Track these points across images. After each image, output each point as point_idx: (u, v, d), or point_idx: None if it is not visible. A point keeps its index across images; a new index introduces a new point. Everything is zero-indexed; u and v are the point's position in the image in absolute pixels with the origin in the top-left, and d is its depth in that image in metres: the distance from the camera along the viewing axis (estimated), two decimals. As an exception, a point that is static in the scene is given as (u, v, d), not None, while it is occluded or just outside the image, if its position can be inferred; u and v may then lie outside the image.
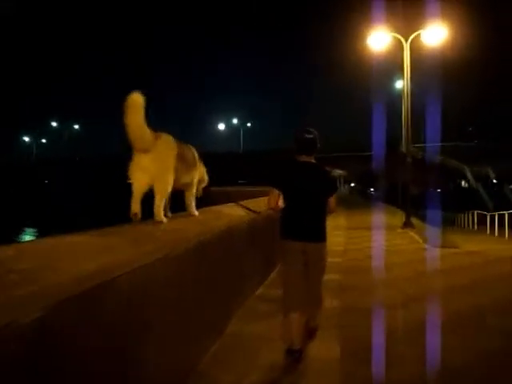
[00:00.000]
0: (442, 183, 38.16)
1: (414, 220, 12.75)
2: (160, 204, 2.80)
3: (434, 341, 3.52)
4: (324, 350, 3.33)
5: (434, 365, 3.10)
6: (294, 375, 2.95)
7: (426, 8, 13.02)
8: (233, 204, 5.09)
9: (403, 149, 14.18)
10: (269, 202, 3.33)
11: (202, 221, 3.34)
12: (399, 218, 13.50)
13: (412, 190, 13.97)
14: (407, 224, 12.20)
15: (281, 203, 3.38)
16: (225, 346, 3.31)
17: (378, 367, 3.06)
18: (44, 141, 77.41)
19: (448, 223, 19.06)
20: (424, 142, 41.60)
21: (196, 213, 3.41)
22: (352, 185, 61.87)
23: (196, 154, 3.34)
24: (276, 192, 3.29)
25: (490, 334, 3.74)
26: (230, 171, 40.84)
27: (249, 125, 69.13)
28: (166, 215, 2.93)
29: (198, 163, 3.40)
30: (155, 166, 2.72)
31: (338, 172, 42.66)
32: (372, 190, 55.21)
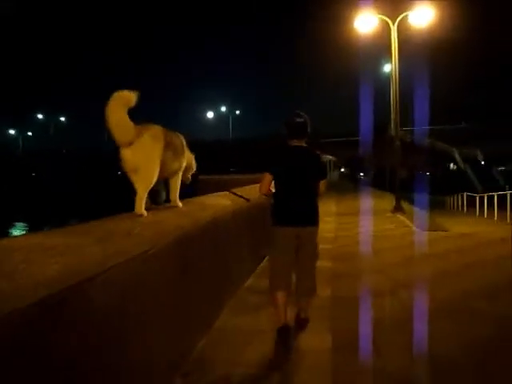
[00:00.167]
0: (430, 166, 38.31)
1: (403, 204, 12.73)
2: (142, 196, 2.74)
3: (425, 329, 3.45)
4: (315, 341, 3.24)
5: (425, 354, 3.03)
6: (285, 368, 2.87)
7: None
8: (224, 192, 4.97)
9: (392, 132, 14.11)
10: (260, 187, 3.35)
11: (185, 212, 3.19)
12: (389, 202, 13.47)
13: (401, 174, 13.94)
14: (397, 208, 12.18)
15: (272, 189, 3.36)
16: (213, 340, 3.21)
17: (369, 358, 2.99)
18: (30, 133, 76.21)
19: (437, 206, 19.13)
20: (412, 126, 41.69)
21: (179, 204, 3.28)
22: (342, 170, 61.99)
23: (184, 141, 3.29)
24: (268, 177, 3.29)
25: (482, 319, 3.67)
26: (219, 159, 40.57)
27: (237, 112, 68.61)
28: (148, 208, 2.83)
29: (186, 150, 3.35)
30: (137, 157, 2.69)
31: (327, 157, 42.59)
32: (362, 174, 55.37)
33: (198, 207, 3.65)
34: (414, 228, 9.17)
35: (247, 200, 4.78)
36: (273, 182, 3.36)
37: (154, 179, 2.82)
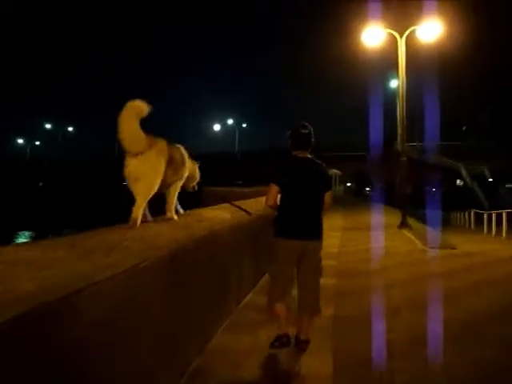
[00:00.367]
0: (437, 182, 37.99)
1: (410, 220, 12.51)
2: (141, 205, 2.77)
3: (432, 354, 3.26)
4: (316, 365, 3.05)
5: (432, 381, 2.85)
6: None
7: (420, 3, 12.78)
8: (225, 205, 4.83)
9: (398, 147, 13.96)
10: (267, 199, 3.29)
11: (180, 225, 3.06)
12: (395, 217, 13.25)
13: (407, 190, 13.74)
14: (404, 224, 11.96)
15: (278, 201, 3.33)
16: (207, 359, 3.03)
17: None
18: (38, 143, 76.79)
19: (444, 222, 18.85)
20: (419, 141, 41.52)
21: (175, 216, 3.15)
22: (348, 184, 61.71)
23: (184, 153, 3.28)
24: (275, 188, 3.23)
25: (492, 343, 3.47)
26: (225, 172, 40.54)
27: (244, 125, 68.79)
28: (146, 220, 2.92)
29: (188, 161, 3.33)
30: (143, 168, 2.73)
31: (332, 171, 42.44)
32: (368, 189, 55.06)
33: (195, 220, 3.51)
34: (421, 245, 8.94)
35: (249, 213, 4.62)
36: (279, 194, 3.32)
37: (154, 191, 2.84)
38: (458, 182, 43.23)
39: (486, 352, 3.29)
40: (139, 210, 2.74)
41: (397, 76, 13.46)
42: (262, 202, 3.59)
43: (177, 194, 3.34)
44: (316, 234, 3.27)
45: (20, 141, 73.78)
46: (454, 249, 8.51)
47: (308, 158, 3.32)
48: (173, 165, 3.02)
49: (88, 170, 52.96)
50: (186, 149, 3.40)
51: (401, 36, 12.52)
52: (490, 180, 39.24)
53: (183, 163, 3.24)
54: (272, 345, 3.18)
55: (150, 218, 3.07)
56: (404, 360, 3.14)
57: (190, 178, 3.47)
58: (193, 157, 3.51)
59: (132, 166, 2.71)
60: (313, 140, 3.33)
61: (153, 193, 2.84)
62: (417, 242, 9.44)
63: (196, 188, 3.64)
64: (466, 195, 34.73)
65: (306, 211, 3.23)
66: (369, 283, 5.55)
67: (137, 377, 2.15)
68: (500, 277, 5.89)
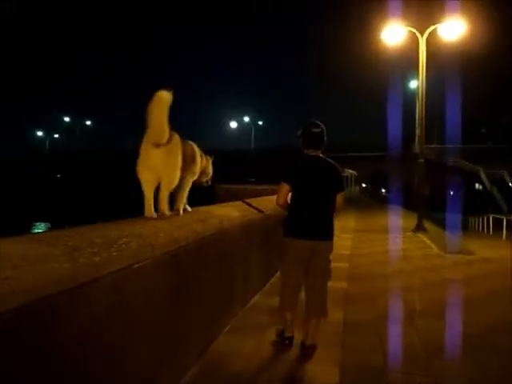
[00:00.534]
0: (455, 185, 37.25)
1: (426, 223, 12.21)
2: (165, 198, 2.84)
3: (444, 368, 3.08)
4: (321, 374, 2.90)
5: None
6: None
7: (443, 1, 12.42)
8: (237, 202, 4.71)
9: (416, 149, 13.65)
10: (278, 198, 3.27)
11: (184, 223, 2.90)
12: (411, 220, 12.93)
13: (424, 192, 13.42)
14: (419, 227, 11.66)
15: (289, 200, 3.29)
16: (206, 365, 2.91)
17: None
18: (56, 136, 77.67)
19: (462, 227, 18.40)
20: (439, 143, 40.80)
21: (167, 212, 3.05)
22: (363, 185, 61.01)
23: (196, 150, 3.26)
24: (286, 187, 3.21)
25: (508, 359, 3.27)
26: (239, 169, 40.43)
27: (260, 123, 68.46)
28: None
29: (199, 157, 3.30)
30: (167, 160, 2.78)
31: (349, 172, 41.98)
32: (384, 190, 54.36)
33: (202, 217, 3.38)
34: (437, 249, 8.68)
35: (261, 211, 4.48)
36: (289, 194, 3.27)
37: (175, 184, 2.91)
38: (477, 185, 42.30)
39: (503, 369, 3.11)
40: (164, 201, 2.83)
41: (417, 76, 13.13)
42: (270, 201, 3.48)
43: (187, 190, 3.28)
44: (327, 234, 3.20)
45: (39, 133, 74.77)
46: (472, 254, 8.23)
47: (320, 157, 3.26)
48: (184, 161, 2.99)
49: (104, 163, 53.35)
50: (199, 146, 3.36)
51: (422, 34, 12.18)
52: (511, 184, 38.29)
53: (193, 159, 3.21)
54: (275, 341, 3.34)
55: (168, 212, 3.01)
56: (415, 372, 2.97)
57: (202, 173, 3.47)
58: (205, 153, 3.50)
59: (157, 158, 2.72)
60: (325, 139, 3.26)
61: (175, 185, 2.90)
62: (433, 246, 9.18)
63: (210, 183, 3.63)
64: (484, 199, 33.95)
65: (316, 211, 3.16)
66: (381, 288, 5.36)
67: (136, 377, 2.09)
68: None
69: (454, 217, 19.88)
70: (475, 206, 25.57)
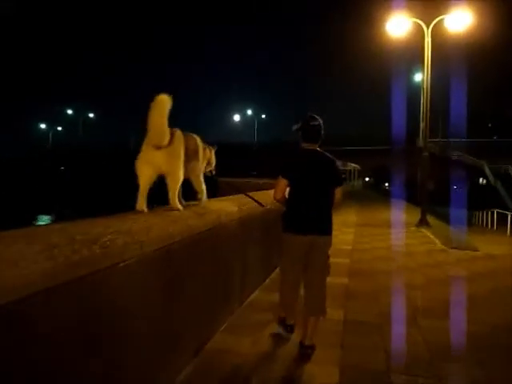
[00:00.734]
0: (459, 180, 36.99)
1: (430, 218, 12.06)
2: (174, 197, 2.92)
3: (447, 370, 2.96)
4: (320, 375, 2.79)
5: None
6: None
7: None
8: (238, 195, 4.61)
9: (420, 143, 13.48)
10: (275, 193, 3.22)
11: (179, 217, 2.79)
12: (414, 215, 12.79)
13: (429, 186, 13.26)
14: (422, 222, 11.52)
15: (286, 194, 3.25)
16: (201, 365, 2.81)
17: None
18: (60, 128, 77.57)
19: (466, 222, 18.24)
20: (443, 136, 40.49)
21: (180, 206, 2.95)
22: (366, 179, 60.77)
23: (198, 142, 3.27)
24: (283, 182, 3.16)
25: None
26: (241, 162, 40.28)
27: (263, 116, 68.18)
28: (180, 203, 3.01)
29: (201, 149, 3.29)
30: (169, 161, 2.81)
31: (352, 166, 41.75)
32: (387, 184, 54.14)
33: (199, 212, 3.26)
34: (440, 245, 8.55)
35: (262, 205, 4.36)
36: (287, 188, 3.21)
37: (180, 182, 2.96)
38: (481, 180, 42.01)
39: (503, 364, 3.03)
40: (175, 199, 2.91)
41: (421, 68, 12.91)
42: (270, 195, 3.39)
43: (201, 180, 3.36)
44: (325, 229, 3.15)
45: (42, 126, 74.69)
46: (476, 250, 8.09)
47: (317, 151, 3.22)
48: (187, 155, 3.01)
49: (106, 157, 53.30)
50: (202, 139, 3.35)
51: (427, 26, 11.95)
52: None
53: (196, 154, 3.20)
54: (275, 333, 3.36)
55: (180, 206, 3.01)
56: (417, 373, 2.86)
57: (207, 164, 3.49)
58: (208, 144, 3.50)
59: (158, 159, 2.76)
60: (323, 132, 3.22)
61: (180, 183, 2.95)
62: (436, 241, 9.04)
63: (214, 173, 3.63)
64: (489, 194, 33.71)
65: (314, 206, 3.12)
66: (383, 284, 5.24)
67: (131, 376, 2.04)
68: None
69: (457, 211, 19.71)
70: (479, 201, 25.36)
